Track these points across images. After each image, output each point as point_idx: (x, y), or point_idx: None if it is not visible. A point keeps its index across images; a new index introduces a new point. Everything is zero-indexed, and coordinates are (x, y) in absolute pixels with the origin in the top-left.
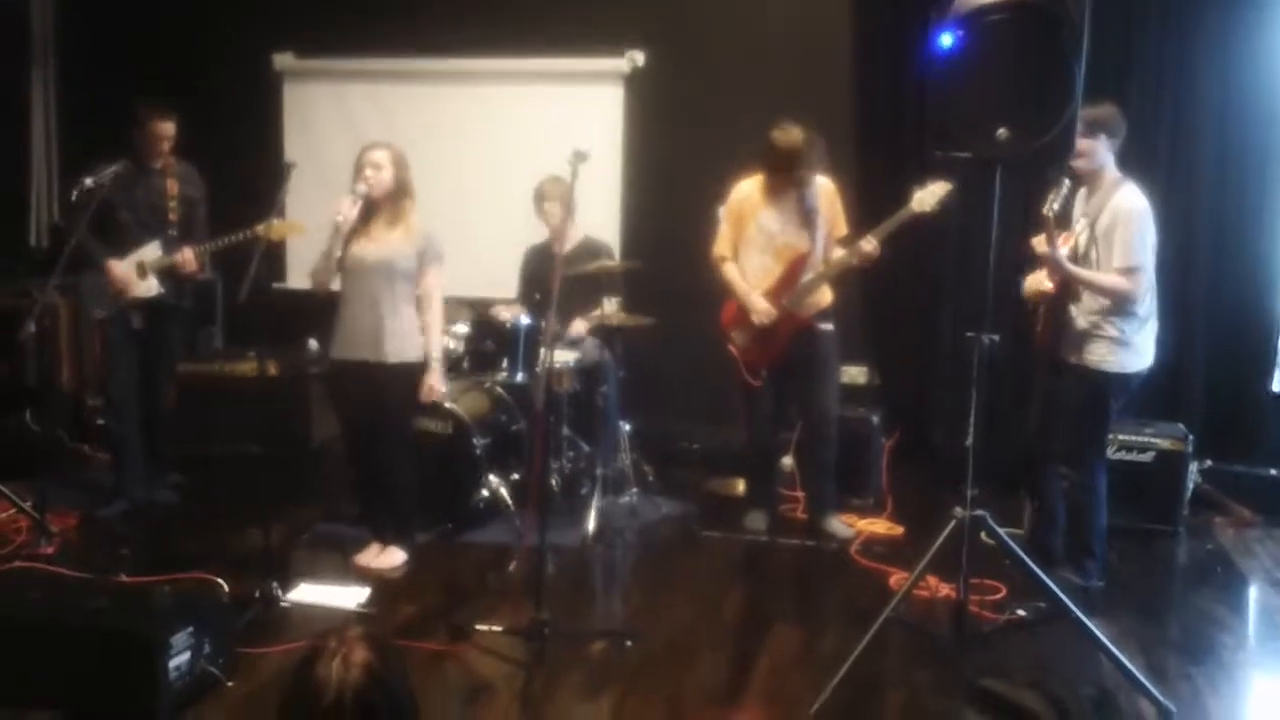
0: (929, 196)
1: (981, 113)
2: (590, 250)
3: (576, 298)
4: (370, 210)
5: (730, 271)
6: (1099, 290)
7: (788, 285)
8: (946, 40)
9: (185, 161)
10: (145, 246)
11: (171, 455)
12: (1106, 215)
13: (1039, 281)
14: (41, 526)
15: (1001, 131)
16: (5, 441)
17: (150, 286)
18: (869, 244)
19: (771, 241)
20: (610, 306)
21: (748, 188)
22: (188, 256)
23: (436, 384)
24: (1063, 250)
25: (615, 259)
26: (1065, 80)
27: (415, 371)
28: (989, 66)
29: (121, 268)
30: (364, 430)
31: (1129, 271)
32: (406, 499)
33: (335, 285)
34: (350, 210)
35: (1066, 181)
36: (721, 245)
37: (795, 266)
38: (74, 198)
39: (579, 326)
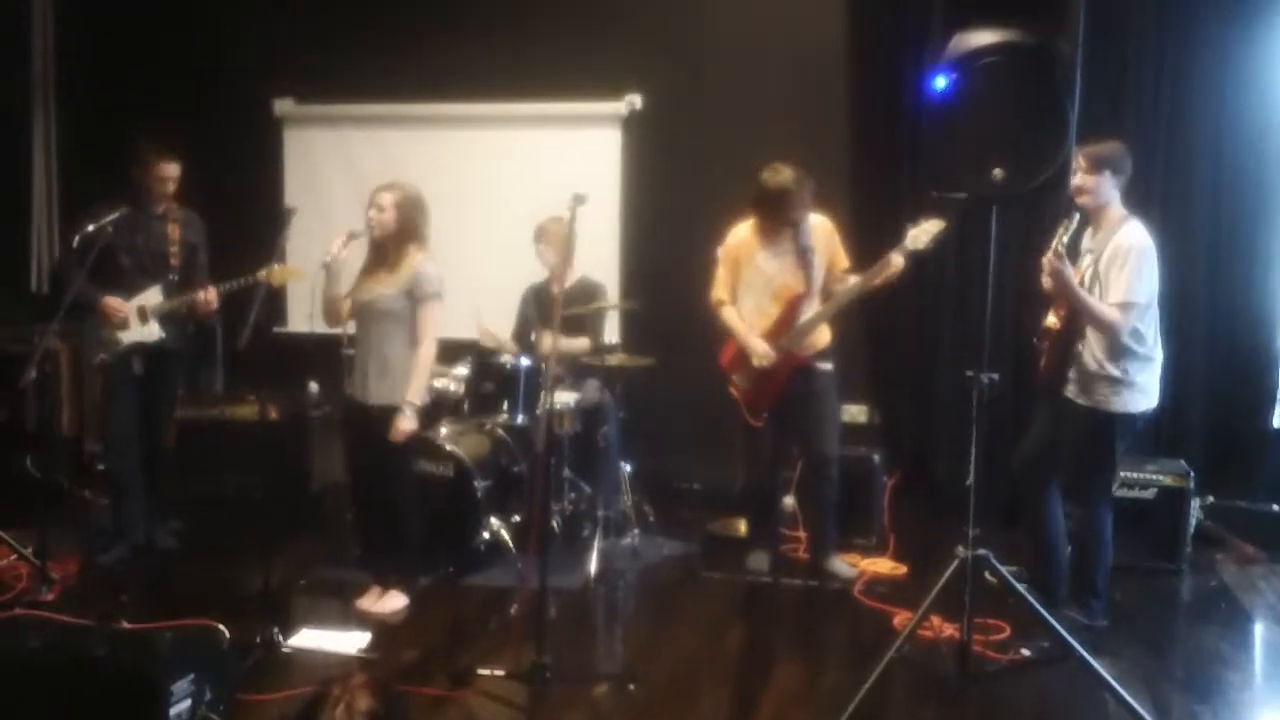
0: (923, 234)
1: (977, 153)
2: (586, 291)
3: (570, 336)
4: (380, 251)
5: (729, 315)
6: (1090, 316)
7: (785, 325)
8: (941, 83)
9: (187, 208)
10: (146, 291)
11: (172, 499)
12: (1110, 250)
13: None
14: (42, 573)
15: (997, 171)
16: (6, 487)
17: (151, 331)
18: (898, 258)
19: (769, 283)
20: (577, 344)
21: (743, 231)
22: (211, 296)
23: (402, 426)
24: (1072, 271)
25: (609, 299)
26: (1059, 119)
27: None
28: (983, 107)
29: (116, 303)
30: (365, 471)
31: (1122, 307)
32: (409, 542)
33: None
34: (338, 250)
35: (1077, 215)
36: (719, 289)
37: (792, 307)
38: (75, 243)
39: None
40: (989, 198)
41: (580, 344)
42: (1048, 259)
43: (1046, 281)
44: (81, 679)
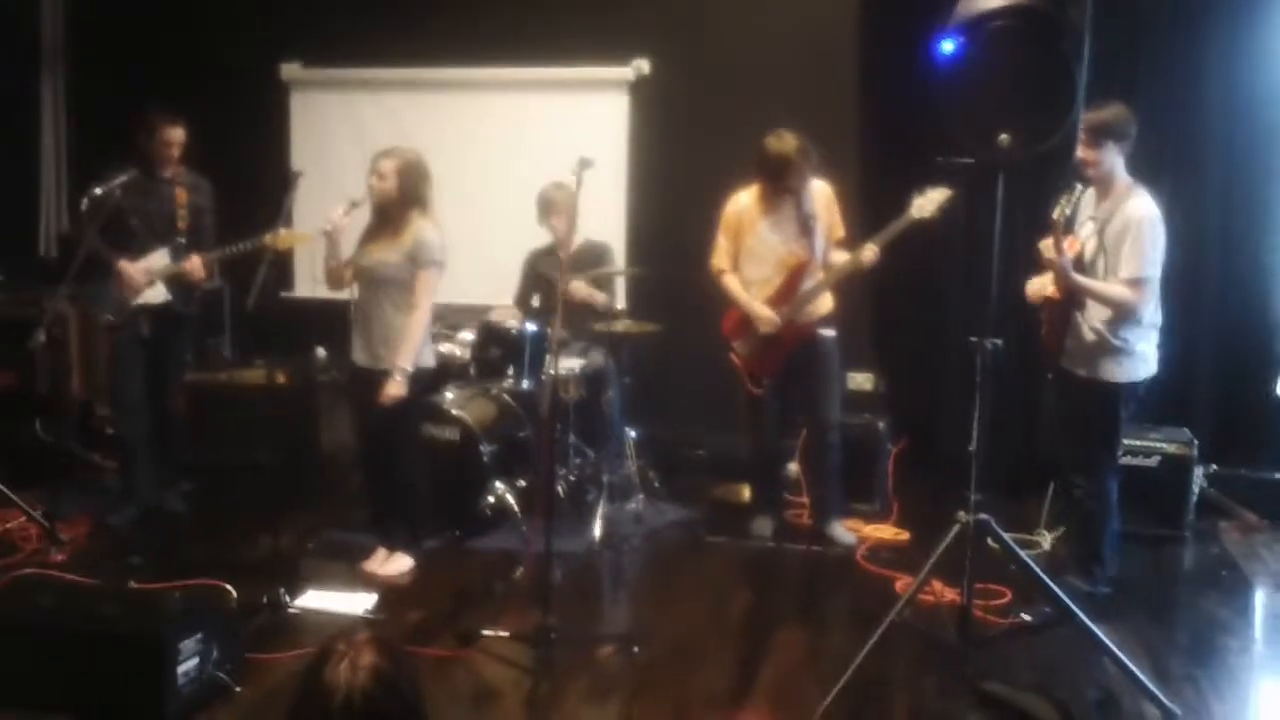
0: (928, 203)
1: (984, 118)
2: (591, 253)
3: (575, 302)
4: (383, 216)
5: (730, 282)
6: (1103, 300)
7: (788, 294)
8: (948, 47)
9: (194, 171)
10: (153, 254)
11: (181, 463)
12: (1117, 222)
13: (1043, 285)
14: (52, 535)
15: (1004, 137)
16: (16, 450)
17: (158, 294)
18: (869, 252)
19: (772, 251)
20: (599, 295)
21: (744, 199)
22: (195, 264)
23: (391, 391)
24: (1068, 256)
25: (615, 260)
26: (1067, 84)
27: (417, 378)
28: (991, 72)
29: (133, 267)
30: (372, 435)
31: (1136, 283)
32: (413, 504)
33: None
34: (339, 219)
35: (1079, 187)
36: (719, 258)
37: (795, 275)
38: (84, 207)
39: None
40: (995, 163)
41: (602, 297)
42: (1045, 245)
43: (1039, 286)
44: (91, 638)
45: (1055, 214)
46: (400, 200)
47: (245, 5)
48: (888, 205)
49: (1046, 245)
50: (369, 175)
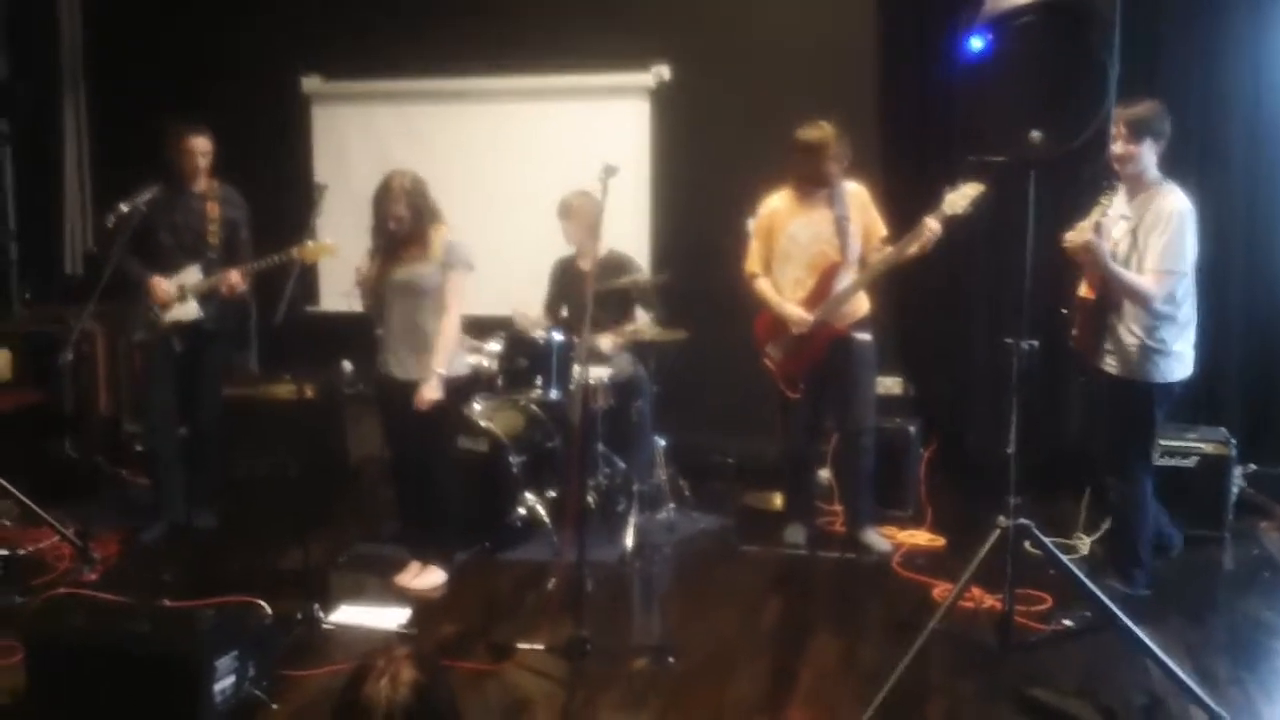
0: (960, 198)
1: (1014, 116)
2: (615, 264)
3: (604, 312)
4: (406, 240)
5: (763, 286)
6: (1127, 288)
7: (821, 295)
8: (977, 44)
9: (226, 183)
10: (185, 270)
11: (212, 479)
12: (1150, 217)
13: (1078, 235)
14: (84, 553)
15: (1035, 134)
16: (45, 468)
17: (190, 310)
18: (934, 223)
19: (804, 252)
20: (644, 319)
21: (775, 202)
22: (236, 278)
23: (426, 395)
24: (1106, 243)
25: (641, 271)
26: (1098, 80)
27: (451, 386)
28: (1020, 69)
29: (164, 284)
30: (405, 446)
31: (1161, 274)
32: (448, 516)
33: None
34: (367, 269)
35: (1120, 187)
36: (752, 262)
37: (828, 276)
38: (110, 223)
39: (606, 342)
40: (1027, 161)
41: (631, 328)
42: (1086, 229)
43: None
44: (126, 657)
45: (1096, 214)
46: (418, 222)
47: (266, 19)
48: (911, 205)
49: (1081, 230)
50: (386, 221)
